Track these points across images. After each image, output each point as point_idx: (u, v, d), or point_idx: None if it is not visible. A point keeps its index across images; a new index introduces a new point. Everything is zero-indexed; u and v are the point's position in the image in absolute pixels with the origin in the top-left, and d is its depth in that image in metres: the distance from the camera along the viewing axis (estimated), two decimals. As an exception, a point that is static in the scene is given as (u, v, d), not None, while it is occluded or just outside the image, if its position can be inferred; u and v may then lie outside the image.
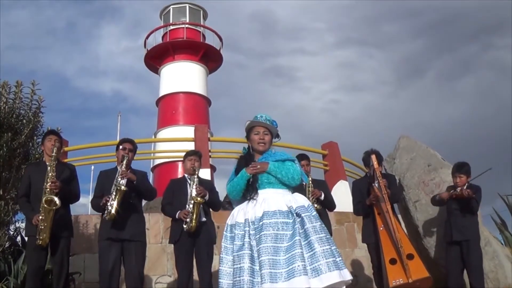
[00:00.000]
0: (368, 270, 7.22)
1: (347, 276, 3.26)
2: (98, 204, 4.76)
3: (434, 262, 5.87)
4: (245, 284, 3.22)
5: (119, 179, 4.63)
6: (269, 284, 3.15)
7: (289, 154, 3.78)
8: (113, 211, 4.56)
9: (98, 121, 63.70)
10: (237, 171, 3.68)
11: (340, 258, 3.31)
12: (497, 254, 5.90)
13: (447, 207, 5.47)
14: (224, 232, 3.58)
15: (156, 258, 7.06)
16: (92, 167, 15.57)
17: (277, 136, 3.74)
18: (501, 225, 7.64)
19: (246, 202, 3.57)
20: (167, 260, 6.99)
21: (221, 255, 3.51)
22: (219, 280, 3.43)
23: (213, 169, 11.90)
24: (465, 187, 5.27)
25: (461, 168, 5.41)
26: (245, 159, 3.69)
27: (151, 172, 16.86)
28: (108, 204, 4.59)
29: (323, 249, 3.25)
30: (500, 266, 5.83)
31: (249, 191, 3.57)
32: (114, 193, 4.59)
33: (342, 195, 10.17)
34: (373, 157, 5.22)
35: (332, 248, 3.31)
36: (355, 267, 7.86)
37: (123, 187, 4.57)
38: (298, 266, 3.16)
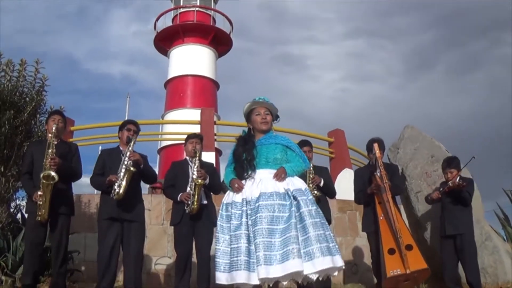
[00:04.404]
0: (369, 259, 7.15)
1: (339, 262, 3.27)
2: (99, 182, 4.78)
3: (434, 253, 5.83)
4: (242, 264, 3.25)
5: (127, 160, 4.63)
6: (263, 266, 3.17)
7: (290, 140, 3.77)
8: (121, 191, 4.57)
9: (107, 103, 63.85)
10: (234, 152, 3.69)
11: (333, 244, 3.31)
12: (497, 249, 5.85)
13: (441, 201, 5.46)
14: (220, 211, 3.59)
15: (157, 240, 7.09)
16: (100, 147, 15.63)
17: (277, 117, 3.75)
18: (504, 220, 7.57)
19: (244, 180, 3.56)
20: (168, 242, 7.01)
21: (217, 234, 3.51)
22: (216, 259, 3.43)
23: (218, 152, 11.87)
24: (457, 180, 5.27)
25: (451, 163, 5.46)
26: (244, 140, 3.69)
27: (157, 154, 16.89)
28: (116, 184, 4.59)
29: (317, 234, 3.26)
30: (500, 261, 5.78)
31: (246, 169, 3.57)
32: (122, 174, 4.60)
33: (347, 183, 10.05)
34: (376, 145, 5.15)
35: (326, 233, 3.32)
36: (356, 255, 7.84)
37: (132, 168, 4.59)
38: (293, 249, 3.17)
